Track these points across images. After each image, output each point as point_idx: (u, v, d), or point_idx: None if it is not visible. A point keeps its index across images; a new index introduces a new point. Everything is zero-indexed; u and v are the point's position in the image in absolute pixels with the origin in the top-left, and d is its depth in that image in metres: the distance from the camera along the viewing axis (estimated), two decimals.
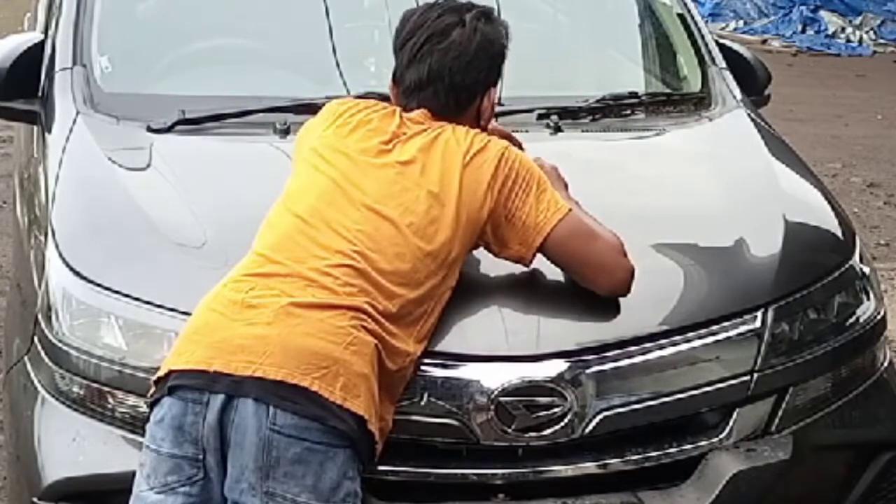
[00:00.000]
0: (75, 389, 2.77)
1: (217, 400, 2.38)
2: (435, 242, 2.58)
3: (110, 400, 2.74)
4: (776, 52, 12.19)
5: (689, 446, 2.78)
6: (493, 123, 2.92)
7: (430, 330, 2.60)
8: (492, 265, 2.78)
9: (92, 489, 2.71)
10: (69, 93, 3.41)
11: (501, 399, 2.62)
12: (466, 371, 2.64)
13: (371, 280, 2.49)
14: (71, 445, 2.75)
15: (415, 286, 2.54)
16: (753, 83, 4.01)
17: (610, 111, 3.64)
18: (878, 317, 3.15)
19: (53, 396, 2.81)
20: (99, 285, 2.76)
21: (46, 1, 4.00)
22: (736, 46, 4.18)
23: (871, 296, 3.16)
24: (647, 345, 2.73)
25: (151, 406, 2.47)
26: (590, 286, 2.74)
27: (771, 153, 3.51)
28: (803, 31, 13.26)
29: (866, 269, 3.21)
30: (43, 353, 2.84)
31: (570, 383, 2.65)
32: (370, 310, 2.47)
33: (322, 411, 2.37)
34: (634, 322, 2.76)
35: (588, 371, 2.67)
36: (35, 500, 2.74)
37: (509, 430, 2.64)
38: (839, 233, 3.25)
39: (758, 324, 2.85)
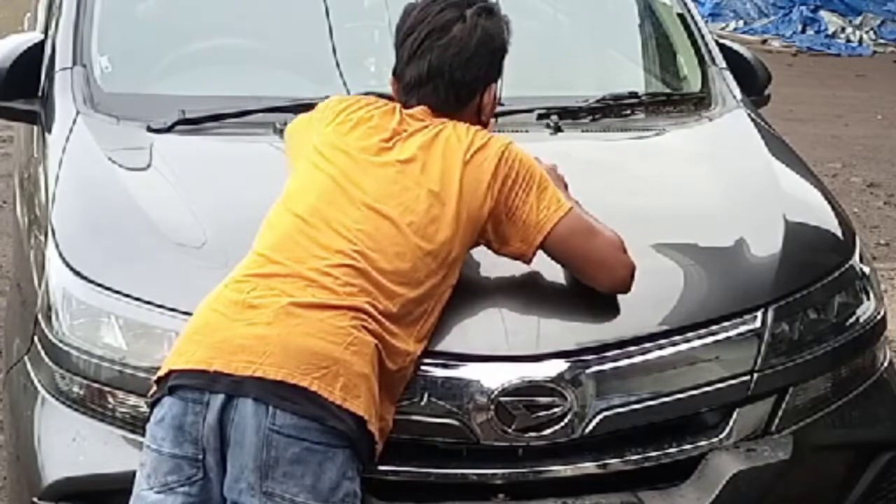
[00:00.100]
0: (75, 389, 2.77)
1: (217, 400, 2.38)
2: (435, 241, 2.58)
3: (110, 400, 2.74)
4: (776, 52, 12.19)
5: (689, 446, 2.78)
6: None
7: (430, 329, 2.60)
8: (492, 265, 2.78)
9: (92, 489, 2.71)
10: (69, 93, 3.40)
11: (501, 399, 2.62)
12: (466, 371, 2.64)
13: (371, 280, 2.49)
14: (71, 445, 2.75)
15: (415, 285, 2.54)
16: (753, 83, 4.01)
17: (610, 111, 3.63)
18: (878, 317, 3.15)
19: (53, 396, 2.81)
20: (99, 285, 2.76)
21: (46, 1, 3.99)
22: (736, 46, 4.18)
23: (871, 296, 3.16)
24: (647, 345, 2.73)
25: (152, 406, 2.47)
26: (591, 283, 2.74)
27: (771, 153, 3.51)
28: (803, 31, 13.26)
29: (866, 269, 3.21)
30: (43, 353, 2.84)
31: (570, 383, 2.65)
32: (370, 310, 2.47)
33: (321, 411, 2.37)
34: (634, 322, 2.76)
35: (588, 371, 2.67)
36: (35, 500, 2.74)
37: (509, 430, 2.64)
38: (839, 233, 3.25)
39: (758, 324, 2.85)
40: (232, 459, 2.39)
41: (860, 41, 13.09)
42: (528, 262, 2.71)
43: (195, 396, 2.40)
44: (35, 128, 3.54)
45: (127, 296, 2.73)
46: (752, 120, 3.73)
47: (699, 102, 3.82)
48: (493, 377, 2.62)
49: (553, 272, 2.78)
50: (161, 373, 2.46)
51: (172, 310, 2.68)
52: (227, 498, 2.41)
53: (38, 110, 3.50)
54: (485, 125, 2.81)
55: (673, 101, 3.84)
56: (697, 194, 3.26)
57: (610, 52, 4.22)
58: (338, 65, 3.54)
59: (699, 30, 4.04)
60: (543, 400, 2.64)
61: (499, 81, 2.83)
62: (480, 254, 2.76)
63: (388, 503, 2.62)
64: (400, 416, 2.57)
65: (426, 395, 2.61)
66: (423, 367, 2.60)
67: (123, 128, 3.30)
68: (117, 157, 3.18)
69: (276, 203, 2.66)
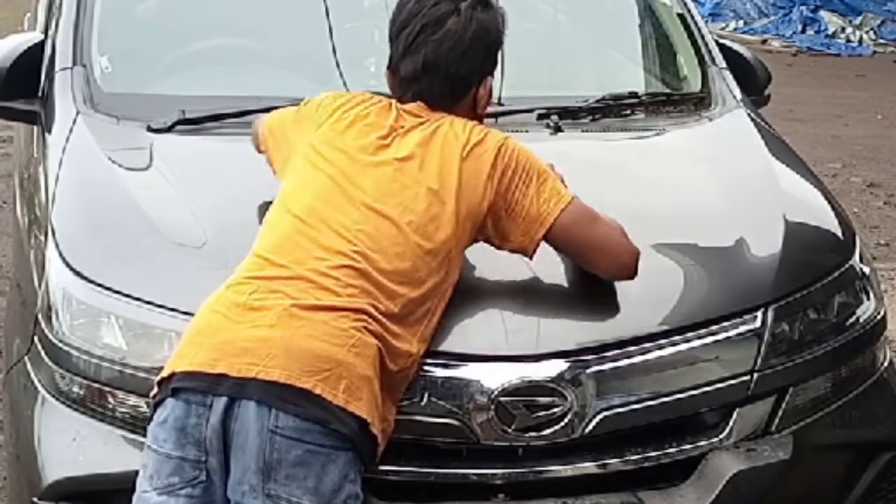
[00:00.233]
0: (75, 389, 2.77)
1: (220, 402, 2.38)
2: (435, 240, 2.58)
3: (110, 400, 2.74)
4: (776, 52, 12.19)
5: (688, 446, 2.78)
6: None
7: (433, 328, 2.59)
8: (492, 265, 2.78)
9: (92, 489, 2.71)
10: (69, 93, 3.41)
11: (501, 399, 2.62)
12: (467, 371, 2.63)
13: (372, 280, 2.49)
14: (71, 445, 2.75)
15: (416, 284, 2.54)
16: (753, 83, 4.01)
17: (610, 111, 3.63)
18: (878, 317, 3.15)
19: (53, 396, 2.81)
20: (99, 285, 2.76)
21: (46, 1, 4.00)
22: (736, 46, 4.18)
23: (871, 296, 3.16)
24: (647, 345, 2.73)
25: (154, 407, 2.47)
26: (595, 270, 2.74)
27: (771, 153, 3.51)
28: (803, 31, 13.25)
29: (866, 269, 3.21)
30: (43, 353, 2.84)
31: (570, 383, 2.65)
32: (372, 311, 2.46)
33: (324, 414, 2.37)
34: (634, 322, 2.76)
35: (588, 371, 2.67)
36: (35, 500, 2.74)
37: (509, 430, 2.64)
38: (839, 233, 3.25)
39: (758, 324, 2.85)
40: (235, 461, 2.39)
41: (860, 41, 13.09)
42: (531, 256, 2.70)
43: (198, 399, 2.40)
44: (35, 128, 3.54)
45: (127, 296, 2.73)
46: (752, 120, 3.73)
47: (699, 102, 3.82)
48: (494, 377, 2.62)
49: (553, 272, 2.79)
50: (163, 374, 2.46)
51: (172, 310, 2.68)
52: (231, 500, 2.40)
53: (38, 110, 3.50)
54: (480, 118, 2.80)
55: (673, 101, 3.84)
56: (697, 194, 3.26)
57: (610, 52, 4.22)
58: (338, 65, 3.54)
59: (699, 30, 4.04)
60: (543, 400, 2.64)
61: (494, 74, 2.81)
62: (480, 254, 2.75)
63: (389, 503, 2.62)
64: (400, 417, 2.57)
65: (426, 395, 2.61)
66: (423, 368, 2.60)
67: (123, 128, 3.30)
68: (117, 157, 3.18)
69: (275, 203, 2.66)
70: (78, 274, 2.80)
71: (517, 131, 3.05)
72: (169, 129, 3.27)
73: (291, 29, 3.81)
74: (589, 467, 2.71)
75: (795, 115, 9.10)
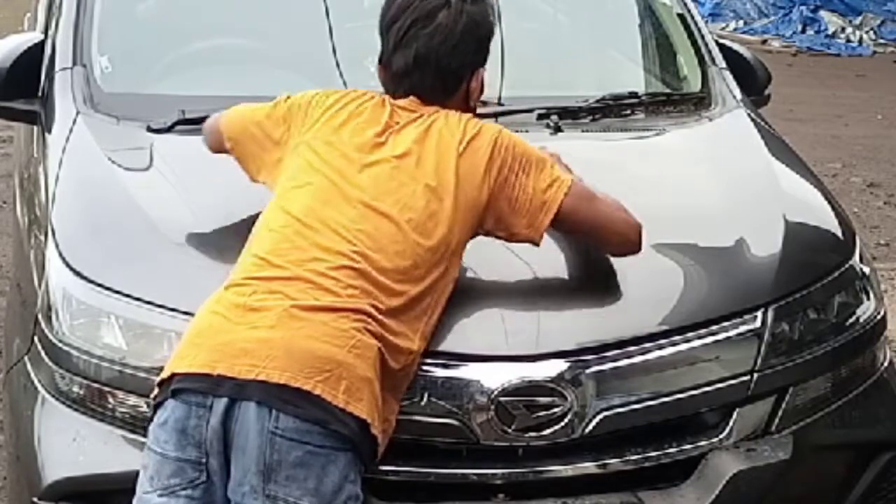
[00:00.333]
0: (75, 389, 2.77)
1: (220, 403, 2.38)
2: (434, 237, 2.57)
3: (110, 400, 2.74)
4: (776, 52, 12.19)
5: (688, 446, 2.78)
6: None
7: (434, 325, 2.59)
8: (492, 265, 2.78)
9: (92, 489, 2.71)
10: (69, 93, 3.40)
11: (501, 399, 2.62)
12: (466, 371, 2.63)
13: (372, 280, 2.49)
14: (71, 445, 2.75)
15: (417, 282, 2.54)
16: (753, 83, 4.01)
17: (610, 111, 3.63)
18: (878, 317, 3.15)
19: (53, 396, 2.81)
20: (99, 285, 2.76)
21: (46, 1, 4.00)
22: (736, 46, 4.18)
23: (871, 296, 3.16)
24: (647, 345, 2.73)
25: (154, 408, 2.47)
26: (602, 248, 2.78)
27: (771, 153, 3.51)
28: (803, 31, 13.25)
29: (866, 269, 3.21)
30: (43, 353, 2.84)
31: (570, 383, 2.65)
32: (372, 311, 2.46)
33: (325, 415, 2.37)
34: (634, 322, 2.76)
35: (588, 371, 2.67)
36: (35, 500, 2.74)
37: (509, 430, 2.64)
38: (839, 233, 3.25)
39: (758, 324, 2.85)
40: (235, 462, 2.39)
41: (860, 41, 13.08)
42: (537, 244, 2.70)
43: (198, 400, 2.39)
44: (35, 128, 3.54)
45: (127, 296, 2.73)
46: (752, 120, 3.73)
47: (699, 102, 3.82)
48: (493, 377, 2.62)
49: (553, 272, 2.79)
50: (163, 375, 2.46)
51: (172, 310, 2.68)
52: (231, 500, 2.40)
53: (38, 110, 3.50)
54: (473, 110, 2.80)
55: (673, 101, 3.84)
56: (697, 194, 3.26)
57: (610, 52, 4.22)
58: (338, 65, 3.53)
59: (699, 30, 4.04)
60: (543, 400, 2.64)
61: (486, 66, 2.81)
62: (481, 253, 2.75)
63: (388, 503, 2.62)
64: (400, 417, 2.56)
65: (426, 395, 2.61)
66: (423, 367, 2.60)
67: (123, 128, 3.30)
68: (117, 157, 3.18)
69: (271, 202, 2.65)
70: (78, 274, 2.80)
71: (517, 131, 3.04)
72: (169, 130, 3.26)
73: (291, 29, 3.81)
74: (589, 467, 2.71)
75: (795, 115, 9.10)
